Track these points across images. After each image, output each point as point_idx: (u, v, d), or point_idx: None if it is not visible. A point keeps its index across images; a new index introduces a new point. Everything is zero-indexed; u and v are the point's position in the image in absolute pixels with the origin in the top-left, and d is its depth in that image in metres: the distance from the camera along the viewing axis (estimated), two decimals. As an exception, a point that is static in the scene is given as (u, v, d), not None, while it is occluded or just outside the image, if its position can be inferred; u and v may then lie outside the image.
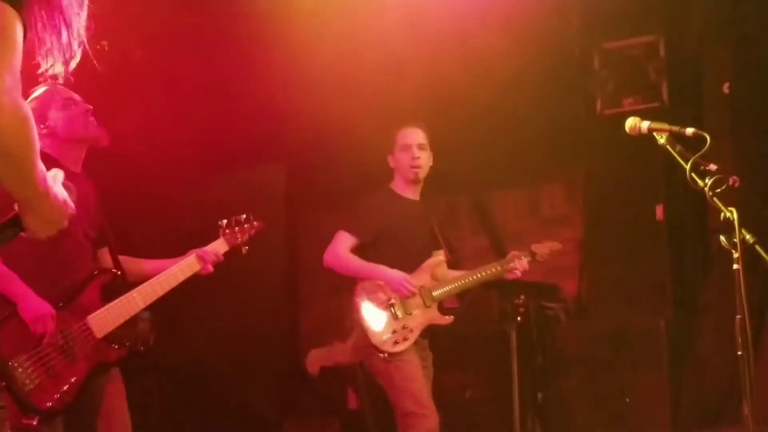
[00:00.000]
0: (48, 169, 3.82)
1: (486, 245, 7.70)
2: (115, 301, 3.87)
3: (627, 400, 5.73)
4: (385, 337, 4.76)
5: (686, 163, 3.47)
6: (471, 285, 5.10)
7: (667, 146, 3.59)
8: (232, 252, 4.27)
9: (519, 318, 6.16)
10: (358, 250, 4.92)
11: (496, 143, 7.01)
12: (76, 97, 4.02)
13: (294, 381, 5.70)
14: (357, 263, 4.85)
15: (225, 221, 4.29)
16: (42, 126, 3.89)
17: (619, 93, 6.61)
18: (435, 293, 4.93)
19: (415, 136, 5.02)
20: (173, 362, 6.97)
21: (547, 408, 6.05)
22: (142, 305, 3.93)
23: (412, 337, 4.84)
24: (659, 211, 6.34)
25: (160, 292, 3.99)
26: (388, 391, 4.84)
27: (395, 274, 4.81)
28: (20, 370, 3.61)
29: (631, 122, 3.72)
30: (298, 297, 5.37)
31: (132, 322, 3.94)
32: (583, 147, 6.80)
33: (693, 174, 3.46)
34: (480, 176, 7.52)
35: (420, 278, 4.93)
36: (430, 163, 5.06)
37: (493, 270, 5.08)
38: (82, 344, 3.76)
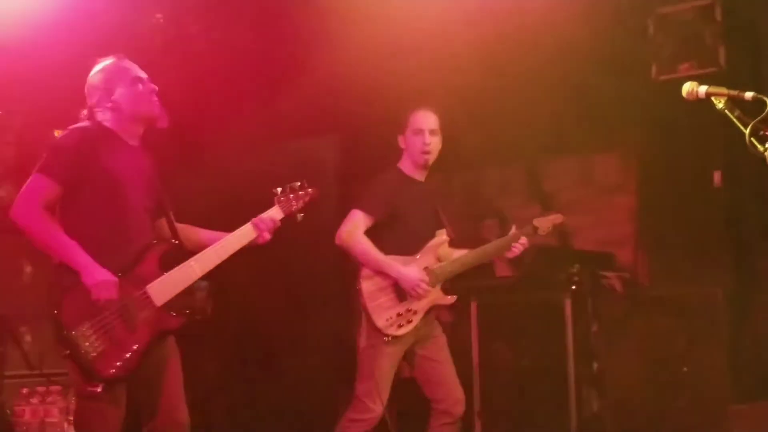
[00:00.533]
0: (106, 141, 3.90)
1: (539, 214, 7.64)
2: (174, 269, 3.91)
3: (684, 369, 5.68)
4: (389, 320, 4.77)
5: (745, 128, 3.40)
6: (472, 264, 5.05)
7: (726, 111, 3.51)
8: (287, 219, 4.28)
9: (573, 287, 6.11)
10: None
11: (549, 111, 6.94)
12: (144, 75, 4.08)
13: (349, 349, 5.70)
14: (372, 253, 4.81)
15: (280, 189, 4.31)
16: (107, 100, 3.95)
17: (675, 58, 6.53)
18: (439, 274, 4.92)
19: (428, 120, 5.00)
20: (229, 331, 7.06)
21: (603, 378, 6.00)
22: (199, 273, 3.96)
23: (416, 319, 4.84)
24: (717, 177, 6.25)
25: (217, 261, 4.02)
26: (358, 368, 4.86)
27: (410, 273, 4.80)
28: (83, 338, 3.67)
29: (688, 87, 3.65)
30: (349, 266, 5.38)
31: (190, 291, 3.97)
32: (638, 114, 6.72)
33: (752, 139, 3.39)
34: (532, 145, 7.47)
35: (425, 259, 4.93)
36: (440, 148, 5.04)
37: (494, 247, 5.07)
38: (142, 312, 3.81)
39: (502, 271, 7.18)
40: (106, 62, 4.10)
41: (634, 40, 6.68)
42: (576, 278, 6.14)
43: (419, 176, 5.07)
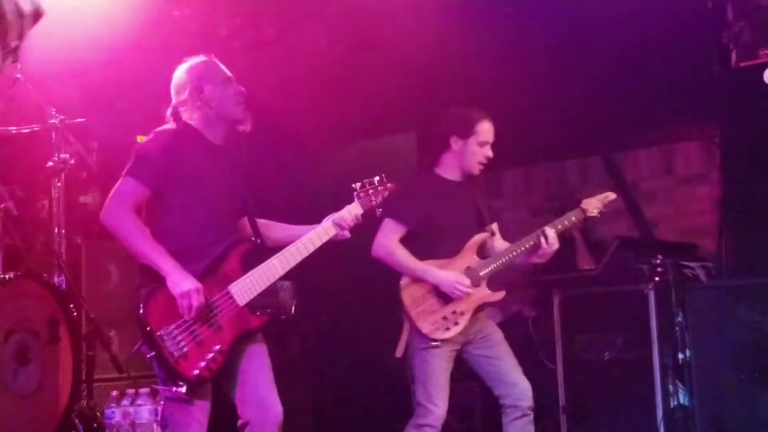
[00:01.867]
0: (191, 143, 3.98)
1: (620, 206, 7.57)
2: (256, 268, 3.94)
3: (773, 359, 5.56)
4: (434, 324, 4.74)
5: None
6: (514, 259, 4.94)
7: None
8: (367, 214, 4.29)
9: (657, 278, 6.03)
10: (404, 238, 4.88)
11: (627, 102, 6.87)
12: (232, 76, 4.13)
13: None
14: (408, 262, 4.78)
15: (359, 184, 4.31)
16: (197, 98, 4.03)
17: (755, 44, 6.37)
18: (482, 272, 4.85)
19: (492, 133, 4.95)
20: (312, 329, 7.12)
21: (689, 369, 5.91)
22: (281, 272, 3.99)
23: (463, 320, 4.79)
24: (802, 163, 6.10)
25: (299, 258, 4.04)
26: (409, 374, 4.84)
27: (448, 276, 4.75)
28: (168, 339, 3.72)
29: (770, 72, 3.57)
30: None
31: (273, 290, 4.00)
32: (719, 101, 6.60)
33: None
34: (612, 136, 7.39)
35: (465, 259, 4.87)
36: None
37: (526, 245, 4.91)
38: (225, 312, 3.85)
39: (584, 263, 7.13)
40: (196, 60, 4.16)
41: (714, 26, 6.56)
42: (659, 269, 6.05)
43: (455, 177, 5.00)
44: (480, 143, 4.92)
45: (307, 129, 7.01)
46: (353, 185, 4.32)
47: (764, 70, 3.53)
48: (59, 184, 5.53)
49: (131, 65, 6.25)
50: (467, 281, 4.77)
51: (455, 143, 4.95)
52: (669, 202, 7.90)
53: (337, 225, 4.15)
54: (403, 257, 4.80)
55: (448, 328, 4.75)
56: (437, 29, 6.28)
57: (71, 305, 5.17)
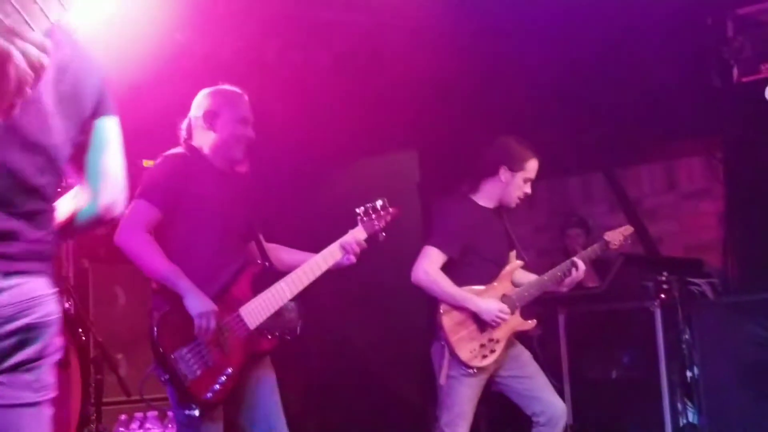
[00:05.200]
0: (198, 167, 3.99)
1: (623, 222, 7.57)
2: (265, 291, 3.97)
3: (782, 377, 5.55)
4: (473, 352, 4.74)
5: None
6: (548, 286, 5.00)
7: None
8: (370, 239, 4.31)
9: (663, 295, 6.02)
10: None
11: (629, 117, 6.88)
12: (250, 120, 4.14)
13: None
14: (449, 289, 4.77)
15: (362, 208, 4.34)
16: (209, 121, 4.07)
17: (756, 59, 6.39)
18: (518, 301, 4.88)
19: (536, 172, 4.99)
20: (317, 350, 7.11)
21: (697, 387, 5.90)
22: (289, 295, 4.02)
23: (499, 348, 4.80)
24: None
25: (306, 282, 4.07)
26: (439, 397, 4.84)
27: (489, 306, 4.76)
28: (181, 362, 3.73)
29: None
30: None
31: (279, 312, 4.03)
32: (721, 116, 6.61)
33: None
34: (614, 152, 7.40)
35: (501, 286, 4.91)
36: None
37: (558, 274, 4.98)
38: (236, 335, 3.87)
39: (589, 280, 7.12)
40: (228, 88, 4.19)
41: (714, 42, 6.58)
42: (665, 286, 6.05)
43: (489, 204, 5.01)
44: (525, 179, 4.96)
45: (310, 150, 7.01)
46: (356, 209, 4.34)
47: (766, 85, 3.51)
48: (66, 208, 5.54)
49: (135, 89, 6.27)
50: (507, 309, 4.79)
51: (503, 174, 4.94)
52: (673, 218, 7.90)
53: (343, 249, 4.18)
54: (446, 285, 4.79)
55: (485, 356, 4.76)
56: (440, 49, 6.30)
57: (79, 329, 5.18)
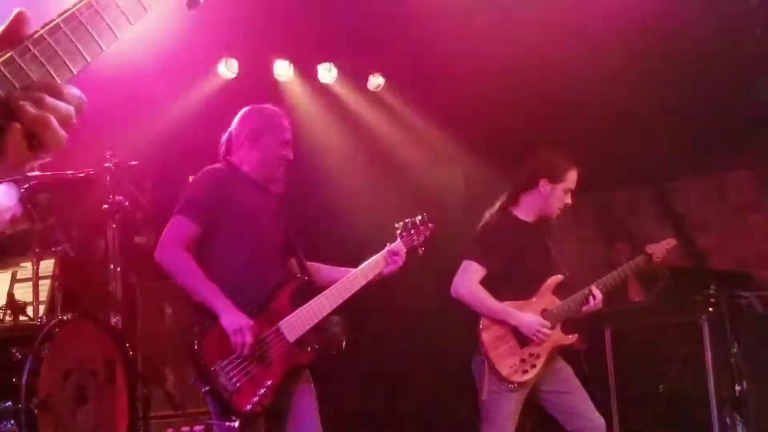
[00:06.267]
0: (237, 182, 4.04)
1: (671, 235, 7.51)
2: (305, 305, 4.00)
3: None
4: (513, 367, 4.71)
5: None
6: (585, 303, 4.92)
7: None
8: (409, 253, 4.32)
9: (710, 308, 5.96)
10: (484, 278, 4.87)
11: (678, 131, 6.84)
12: (290, 142, 4.19)
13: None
14: (490, 303, 4.76)
15: (401, 223, 4.37)
16: (252, 139, 4.14)
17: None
18: (558, 315, 4.83)
19: (575, 182, 4.96)
20: (365, 364, 7.13)
21: (746, 401, 5.83)
22: (329, 308, 4.04)
23: (540, 363, 4.76)
24: None
25: (346, 295, 4.10)
26: (482, 412, 4.80)
27: (530, 321, 4.73)
28: (222, 374, 3.78)
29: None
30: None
31: (323, 326, 4.06)
32: (768, 129, 6.55)
33: None
34: (662, 165, 7.35)
35: (542, 301, 4.87)
36: None
37: (609, 283, 4.95)
38: (276, 349, 3.90)
39: (636, 295, 7.07)
40: (271, 110, 4.26)
41: (763, 52, 6.52)
42: (713, 299, 5.99)
43: (530, 218, 4.99)
44: (566, 190, 4.93)
45: (353, 163, 7.07)
46: (395, 224, 4.36)
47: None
48: (114, 225, 5.63)
49: (182, 110, 6.40)
50: (548, 324, 4.77)
51: (544, 186, 4.93)
52: (722, 230, 7.82)
53: (384, 260, 4.21)
54: (486, 299, 4.78)
55: (525, 371, 4.73)
56: (487, 62, 6.34)
57: (127, 345, 5.25)
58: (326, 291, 4.08)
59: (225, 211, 3.99)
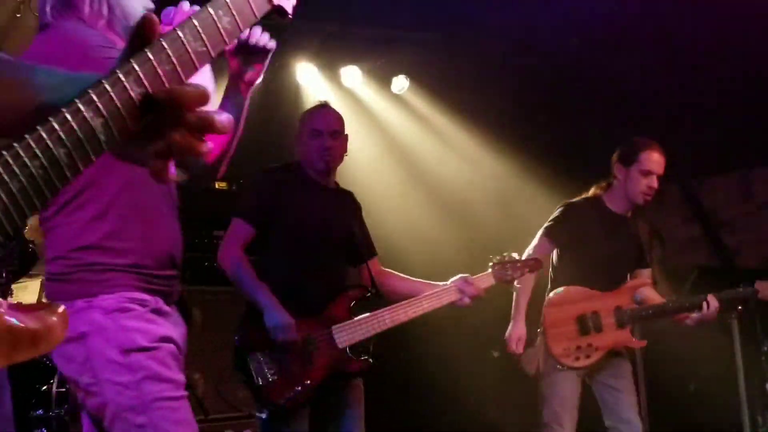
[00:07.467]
0: (294, 182, 4.06)
1: (698, 234, 7.50)
2: (363, 316, 4.01)
3: None
4: (566, 350, 4.68)
5: None
6: (669, 314, 4.89)
7: None
8: (498, 285, 4.32)
9: (740, 307, 5.93)
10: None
11: (704, 128, 6.80)
12: (323, 131, 4.19)
13: (519, 380, 5.68)
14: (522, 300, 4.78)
15: (498, 257, 4.36)
16: (298, 137, 4.25)
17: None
18: (629, 315, 4.76)
19: (660, 164, 4.81)
20: (408, 376, 7.11)
21: (777, 400, 5.81)
22: (390, 324, 4.04)
23: (595, 357, 4.72)
24: None
25: (412, 316, 4.09)
26: (539, 393, 4.80)
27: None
28: (257, 364, 3.84)
29: None
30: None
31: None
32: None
33: None
34: (689, 163, 7.31)
35: (620, 298, 4.79)
36: None
37: (686, 305, 4.88)
38: (322, 351, 3.93)
39: (663, 294, 7.04)
40: (315, 105, 4.39)
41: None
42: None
43: (620, 210, 4.89)
44: (642, 171, 4.77)
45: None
46: (490, 256, 4.34)
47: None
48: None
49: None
50: (613, 300, 4.72)
51: (619, 172, 4.85)
52: (750, 228, 7.77)
53: (461, 291, 4.18)
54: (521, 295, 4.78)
55: (578, 358, 4.69)
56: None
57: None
58: (390, 307, 4.07)
59: (278, 209, 4.05)
